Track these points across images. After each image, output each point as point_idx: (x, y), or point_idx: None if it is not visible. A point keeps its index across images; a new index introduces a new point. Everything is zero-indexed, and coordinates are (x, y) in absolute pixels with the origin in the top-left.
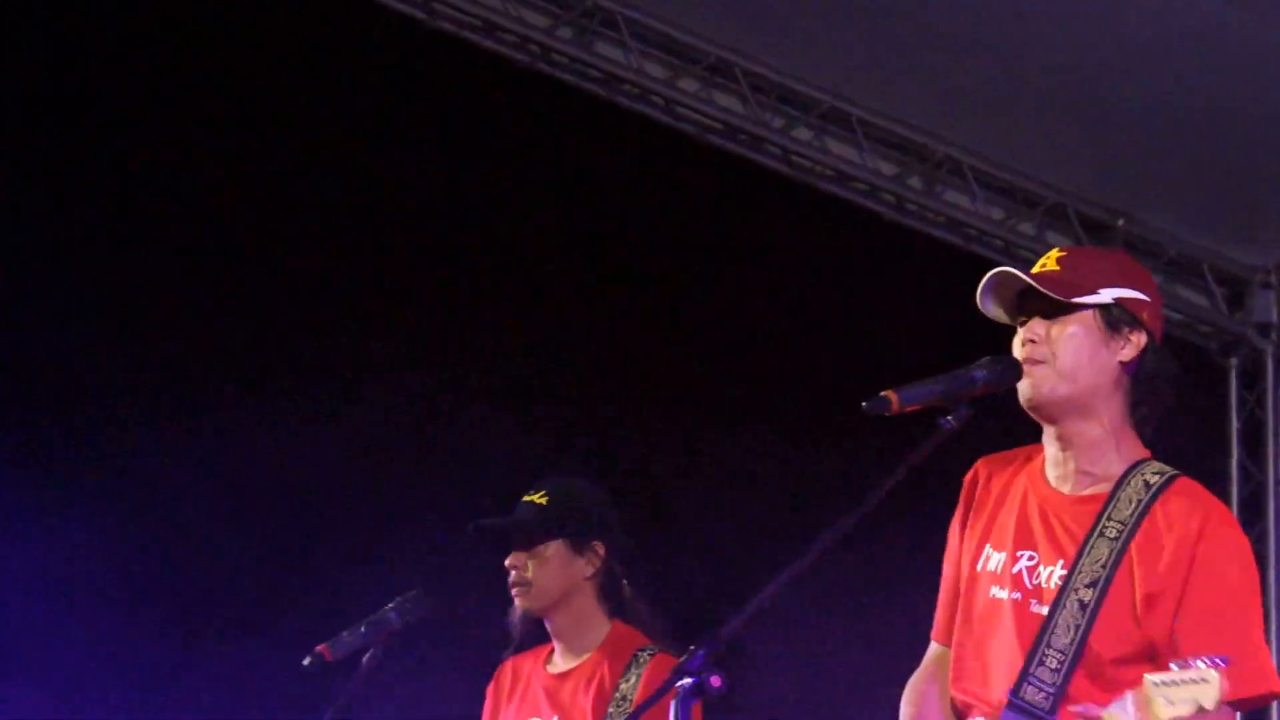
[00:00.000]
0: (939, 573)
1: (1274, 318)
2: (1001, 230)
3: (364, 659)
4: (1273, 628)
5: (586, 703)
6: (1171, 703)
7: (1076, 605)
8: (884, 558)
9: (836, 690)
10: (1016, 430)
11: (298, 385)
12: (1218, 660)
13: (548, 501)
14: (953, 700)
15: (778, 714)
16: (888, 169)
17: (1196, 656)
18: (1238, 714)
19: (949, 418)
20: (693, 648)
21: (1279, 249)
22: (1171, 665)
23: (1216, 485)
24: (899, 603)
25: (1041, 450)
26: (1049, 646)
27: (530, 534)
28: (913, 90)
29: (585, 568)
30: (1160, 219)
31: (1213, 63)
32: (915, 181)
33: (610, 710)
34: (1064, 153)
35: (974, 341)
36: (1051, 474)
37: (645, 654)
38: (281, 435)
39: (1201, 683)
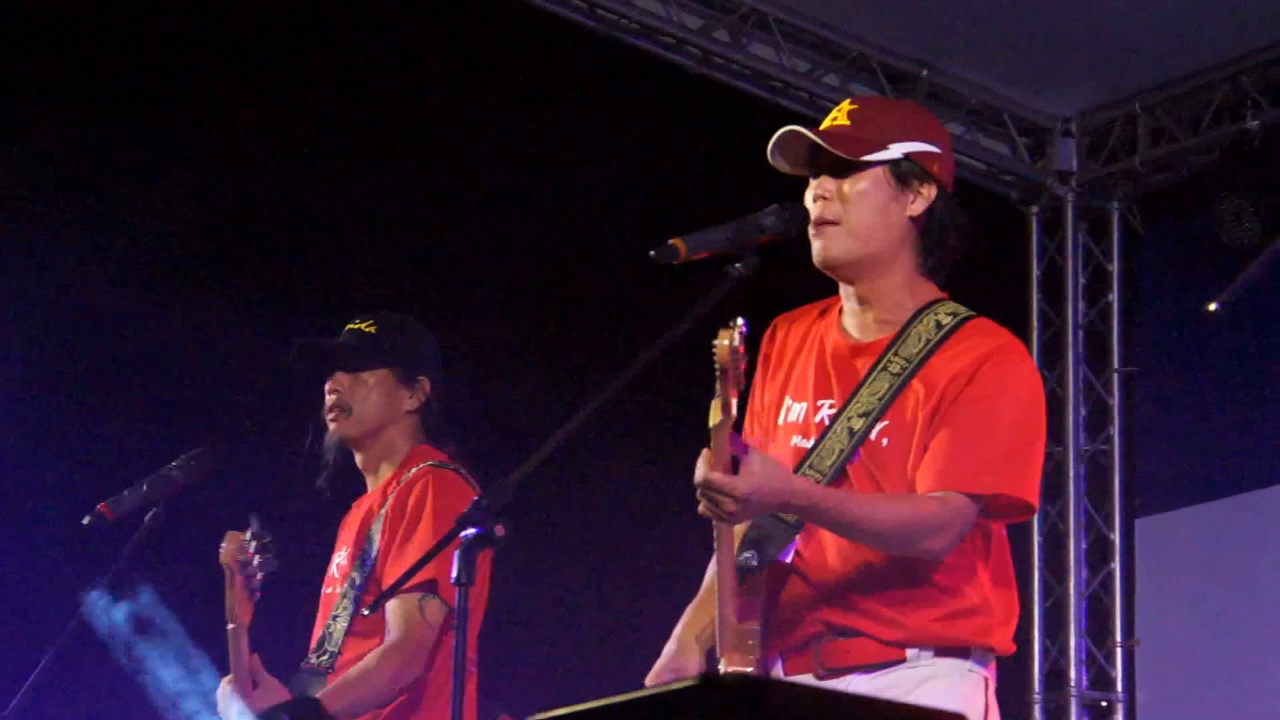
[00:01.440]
0: None
1: (1074, 166)
2: (807, 82)
3: (146, 518)
4: (1069, 465)
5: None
6: (716, 395)
7: (846, 432)
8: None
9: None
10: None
11: None
12: (739, 321)
13: (376, 330)
14: None
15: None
16: (693, 22)
17: (933, 446)
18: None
19: (738, 265)
20: (477, 498)
21: (1080, 98)
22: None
23: (1018, 330)
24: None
25: (838, 302)
26: (810, 469)
27: (358, 358)
28: None
29: (409, 400)
30: (963, 69)
31: None
32: (721, 34)
33: (372, 525)
34: (868, 4)
35: (783, 195)
36: (848, 324)
37: (424, 466)
38: None
39: (717, 347)
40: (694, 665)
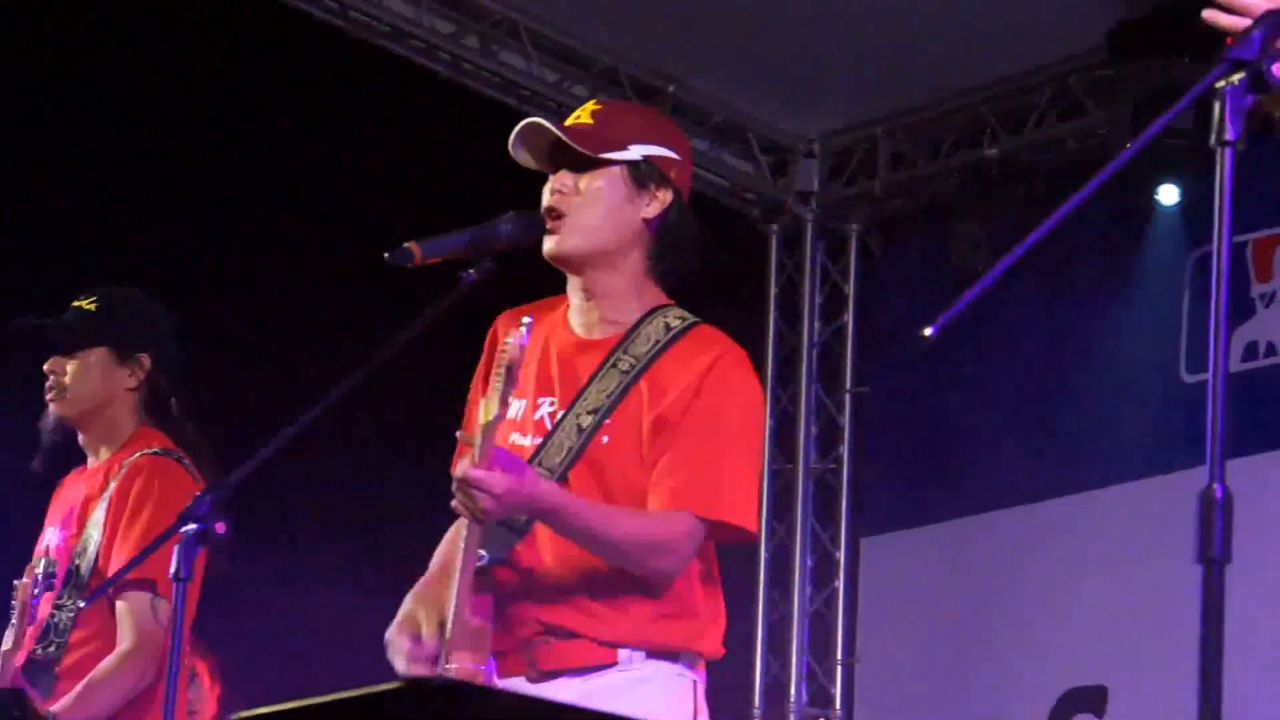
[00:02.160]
0: None
1: (815, 186)
2: (555, 92)
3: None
4: (799, 483)
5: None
6: (491, 390)
7: (574, 429)
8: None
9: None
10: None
11: None
12: (527, 320)
13: (96, 308)
14: None
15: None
16: (445, 27)
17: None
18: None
19: (471, 271)
20: (199, 494)
21: (824, 120)
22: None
23: (754, 347)
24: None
25: (565, 300)
26: (539, 465)
27: (72, 338)
28: None
29: (128, 379)
30: (710, 86)
31: None
32: (472, 41)
33: (93, 513)
34: (618, 17)
35: (529, 203)
36: (574, 321)
37: (145, 454)
38: None
39: (505, 349)
40: (432, 632)
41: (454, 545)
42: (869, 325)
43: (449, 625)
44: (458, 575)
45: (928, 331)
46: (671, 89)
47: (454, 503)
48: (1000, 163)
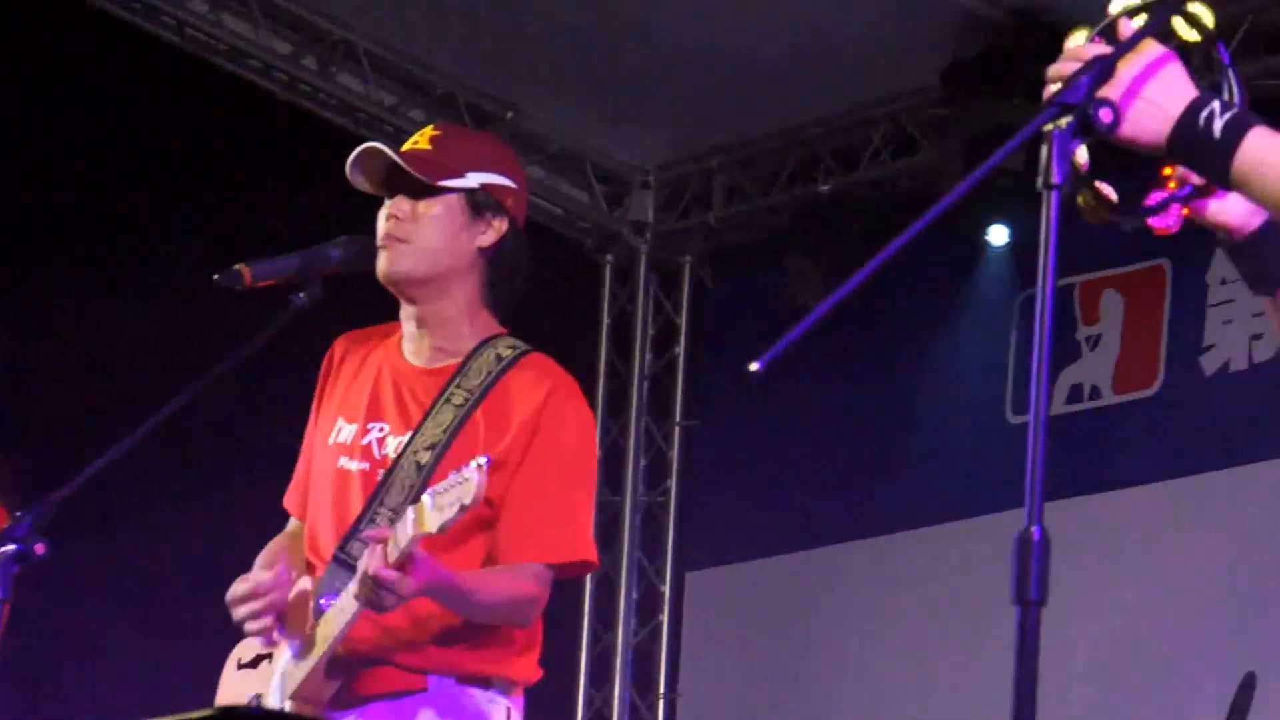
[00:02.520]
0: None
1: (649, 217)
2: (392, 116)
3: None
4: (625, 515)
5: None
6: (440, 508)
7: (413, 467)
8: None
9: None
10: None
11: None
12: (481, 460)
13: None
14: (307, 565)
15: None
16: (283, 48)
17: (517, 512)
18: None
19: (302, 294)
20: (19, 514)
21: (660, 152)
22: (450, 473)
23: (586, 378)
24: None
25: (400, 326)
26: (381, 505)
27: None
28: None
29: None
30: (548, 114)
31: None
32: (310, 62)
33: None
34: (458, 42)
35: (366, 226)
36: (407, 349)
37: None
38: None
39: (464, 482)
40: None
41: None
42: (700, 358)
43: (299, 671)
44: (320, 634)
45: (754, 366)
46: (510, 115)
47: (353, 591)
48: (834, 198)
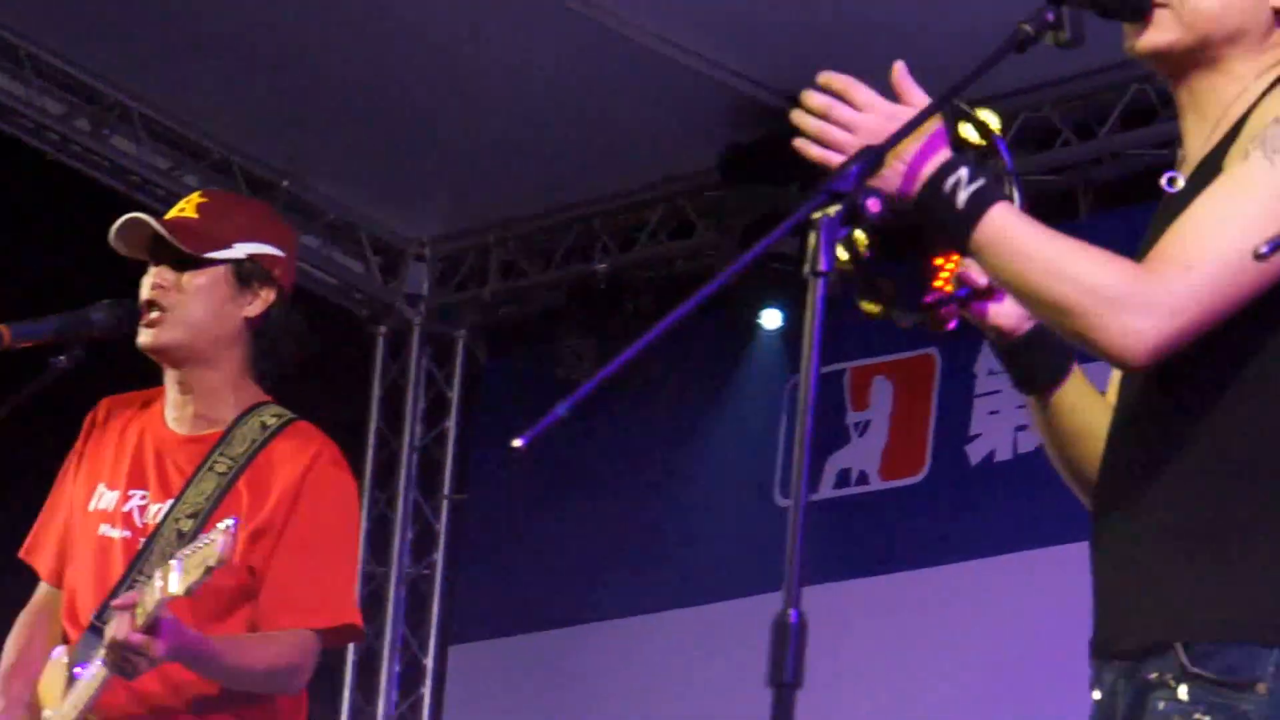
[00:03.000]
0: None
1: (424, 290)
2: (166, 180)
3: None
4: (390, 588)
5: None
6: (186, 571)
7: (175, 534)
8: None
9: None
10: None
11: None
12: (229, 523)
13: None
14: (64, 634)
15: None
16: (55, 108)
17: (277, 579)
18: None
19: (61, 357)
20: None
21: (436, 224)
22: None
23: (355, 449)
24: None
25: (164, 393)
26: (140, 573)
27: None
28: (88, 31)
29: None
30: (325, 183)
31: (374, 36)
32: (83, 123)
33: None
34: (235, 108)
35: (132, 290)
36: (170, 416)
37: None
38: None
39: (209, 545)
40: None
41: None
42: (471, 433)
43: None
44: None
45: (517, 442)
46: (285, 184)
47: (104, 659)
48: (610, 277)
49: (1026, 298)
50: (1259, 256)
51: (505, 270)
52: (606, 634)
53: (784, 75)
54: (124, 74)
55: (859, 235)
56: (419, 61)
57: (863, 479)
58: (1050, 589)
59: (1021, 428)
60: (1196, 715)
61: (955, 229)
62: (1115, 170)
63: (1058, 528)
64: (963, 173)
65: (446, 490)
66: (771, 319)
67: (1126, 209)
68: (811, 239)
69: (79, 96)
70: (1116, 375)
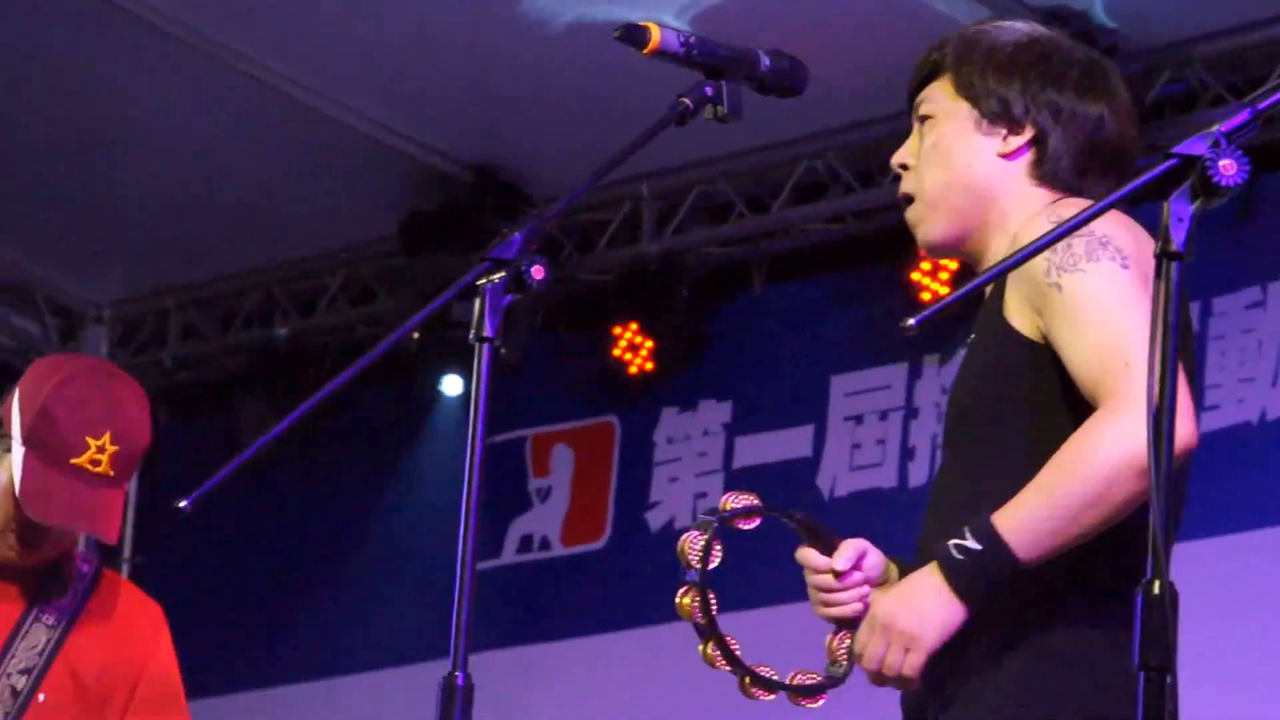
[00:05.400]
0: None
1: (103, 353)
2: None
3: None
4: None
5: None
6: None
7: (8, 691)
8: None
9: None
10: None
11: None
12: None
13: None
14: None
15: None
16: None
17: None
18: None
19: None
20: None
21: (115, 287)
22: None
23: None
24: None
25: None
26: None
27: None
28: None
29: None
30: (1, 245)
31: (53, 98)
32: None
33: None
34: None
35: None
36: None
37: None
38: None
39: None
40: None
41: None
42: (150, 497)
43: None
44: None
45: (182, 504)
46: None
47: None
48: (290, 343)
49: (1088, 532)
50: (906, 329)
51: (186, 334)
52: (274, 701)
53: (466, 145)
54: None
55: (696, 595)
56: (98, 124)
57: (545, 544)
58: None
59: (701, 495)
60: None
61: (1001, 574)
62: (787, 244)
63: (746, 593)
64: (950, 552)
65: (126, 554)
66: (453, 385)
67: (799, 282)
68: (476, 305)
69: None
70: None
